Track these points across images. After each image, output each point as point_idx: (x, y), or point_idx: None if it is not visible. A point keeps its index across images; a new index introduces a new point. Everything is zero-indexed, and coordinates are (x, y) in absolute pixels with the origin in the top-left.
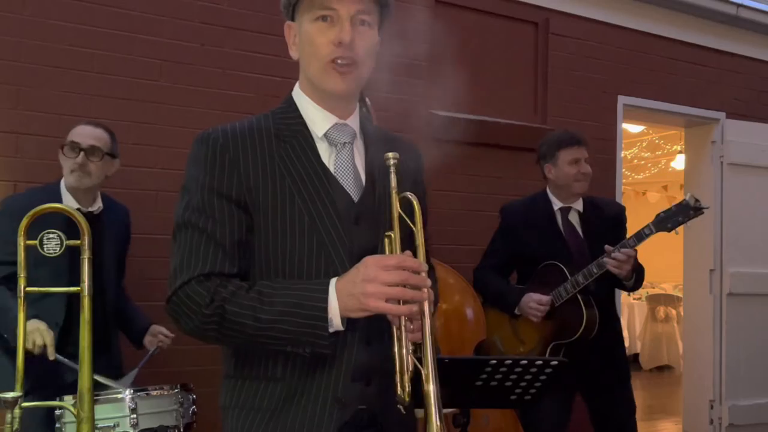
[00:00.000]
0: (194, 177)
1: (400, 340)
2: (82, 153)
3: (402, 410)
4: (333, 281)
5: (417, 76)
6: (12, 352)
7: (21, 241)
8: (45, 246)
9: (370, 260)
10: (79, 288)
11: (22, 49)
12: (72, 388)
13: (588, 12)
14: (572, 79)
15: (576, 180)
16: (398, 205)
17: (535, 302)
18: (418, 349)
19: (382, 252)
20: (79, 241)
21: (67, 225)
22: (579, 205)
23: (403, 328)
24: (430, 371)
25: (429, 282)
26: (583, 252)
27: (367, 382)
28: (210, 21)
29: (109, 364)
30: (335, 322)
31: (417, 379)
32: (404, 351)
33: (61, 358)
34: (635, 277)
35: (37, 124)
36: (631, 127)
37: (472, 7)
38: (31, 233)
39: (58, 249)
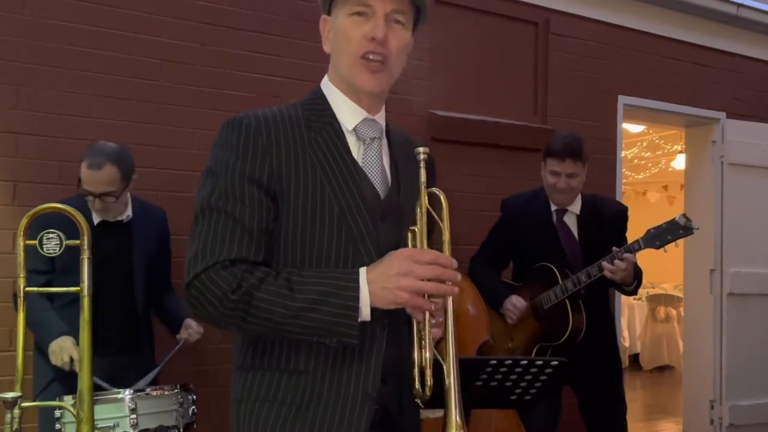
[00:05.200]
0: (224, 161)
1: (422, 335)
2: (97, 199)
3: (420, 404)
4: (363, 271)
5: (417, 76)
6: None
7: (21, 241)
8: (45, 246)
9: (403, 253)
10: (78, 288)
11: (22, 49)
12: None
13: (588, 12)
14: (572, 79)
15: (553, 191)
16: (426, 201)
17: (511, 304)
18: (435, 345)
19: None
20: (78, 241)
21: (94, 229)
22: (576, 207)
23: (426, 323)
24: (452, 366)
25: (460, 277)
26: (577, 255)
27: (384, 381)
28: (210, 21)
29: (139, 364)
30: (364, 312)
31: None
32: (426, 346)
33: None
34: (636, 283)
35: (37, 124)
36: (631, 127)
37: (472, 7)
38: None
39: (58, 249)
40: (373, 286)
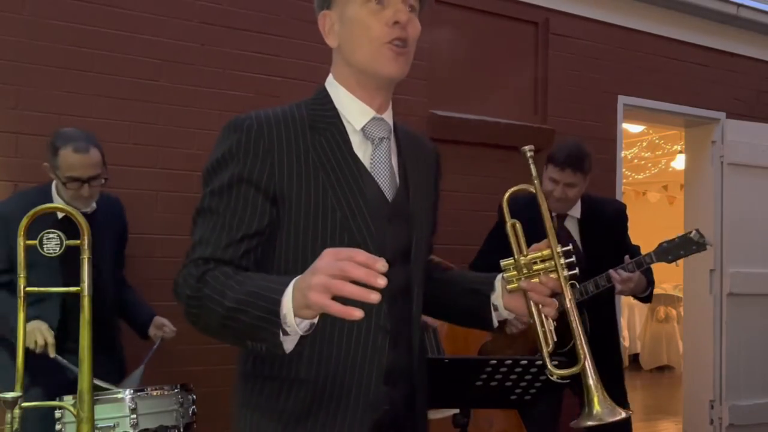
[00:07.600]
0: (222, 162)
1: (539, 317)
2: (85, 185)
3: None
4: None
5: (417, 76)
6: (15, 353)
7: (21, 241)
8: (45, 246)
9: (326, 251)
10: (78, 288)
11: (22, 49)
12: (73, 386)
13: (588, 12)
14: (572, 79)
15: (549, 197)
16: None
17: (517, 318)
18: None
19: (417, 253)
20: (78, 241)
21: (62, 226)
22: (576, 211)
23: (534, 311)
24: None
25: (379, 280)
26: (580, 260)
27: (394, 385)
28: (210, 21)
29: (111, 362)
30: (288, 319)
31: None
32: (546, 327)
33: (60, 359)
34: (650, 290)
35: (37, 124)
36: (631, 127)
37: (472, 7)
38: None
39: (58, 249)
40: (295, 289)
